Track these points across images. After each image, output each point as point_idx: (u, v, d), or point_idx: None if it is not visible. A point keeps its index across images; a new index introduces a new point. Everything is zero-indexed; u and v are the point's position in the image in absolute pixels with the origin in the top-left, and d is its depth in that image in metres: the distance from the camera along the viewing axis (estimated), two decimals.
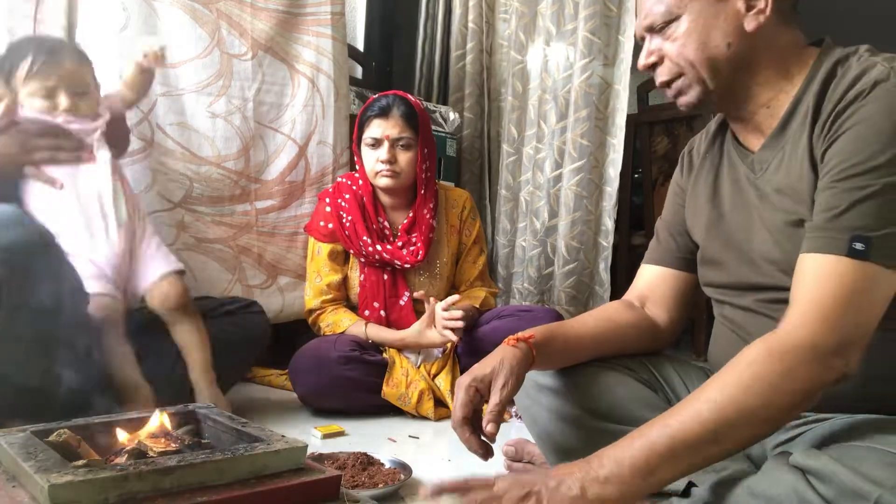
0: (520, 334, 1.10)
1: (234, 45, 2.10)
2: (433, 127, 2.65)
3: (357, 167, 2.11)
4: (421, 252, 2.02)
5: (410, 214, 2.07)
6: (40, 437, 0.82)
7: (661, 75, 1.09)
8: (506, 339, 1.10)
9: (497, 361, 1.05)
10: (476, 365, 1.07)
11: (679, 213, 1.24)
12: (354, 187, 2.08)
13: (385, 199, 2.09)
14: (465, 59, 2.94)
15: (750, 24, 1.01)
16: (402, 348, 1.97)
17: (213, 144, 2.08)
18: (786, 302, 0.94)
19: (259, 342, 1.88)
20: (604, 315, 1.22)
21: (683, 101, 1.09)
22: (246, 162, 2.14)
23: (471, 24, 2.92)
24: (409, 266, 2.03)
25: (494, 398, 1.02)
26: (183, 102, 2.04)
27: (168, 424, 0.93)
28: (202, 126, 2.06)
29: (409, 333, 1.96)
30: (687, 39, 1.03)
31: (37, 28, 1.78)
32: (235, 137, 2.11)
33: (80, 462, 0.76)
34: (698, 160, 1.21)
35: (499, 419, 1.01)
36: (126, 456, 0.82)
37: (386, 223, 2.07)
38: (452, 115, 2.80)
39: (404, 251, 2.03)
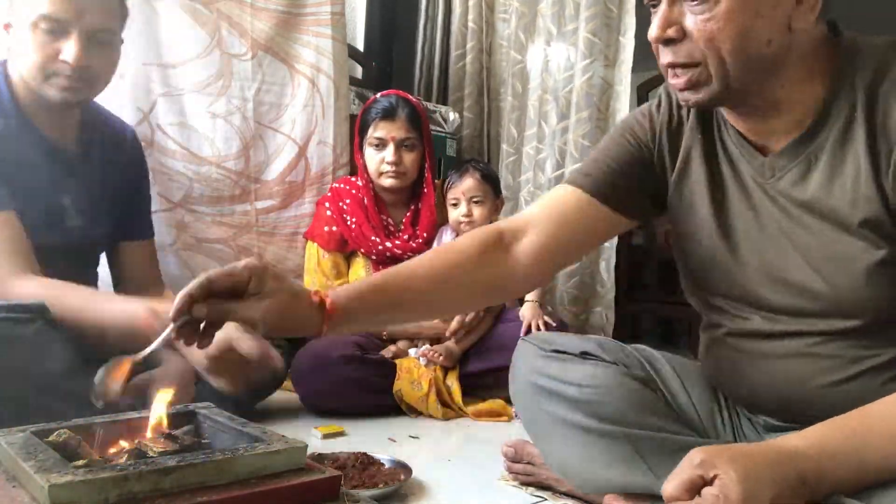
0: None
1: (234, 45, 2.10)
2: (433, 127, 2.67)
3: (357, 166, 2.15)
4: (424, 237, 2.10)
5: (413, 208, 2.15)
6: (40, 437, 0.82)
7: (675, 55, 0.89)
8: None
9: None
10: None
11: (630, 155, 1.08)
12: (353, 190, 2.13)
13: (386, 196, 2.14)
14: (465, 59, 2.94)
15: (798, 21, 0.87)
16: (416, 333, 2.03)
17: (213, 144, 2.08)
18: (823, 333, 0.92)
19: (276, 379, 1.76)
20: (436, 256, 1.06)
21: (693, 98, 0.91)
22: (246, 162, 2.14)
23: (470, 24, 2.92)
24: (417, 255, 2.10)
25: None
26: (183, 102, 2.04)
27: (167, 424, 0.93)
28: (202, 126, 2.06)
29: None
30: (726, 23, 0.84)
31: None
32: (235, 137, 2.11)
33: (80, 462, 0.76)
34: (677, 126, 1.06)
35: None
36: (126, 456, 0.82)
37: (389, 220, 2.14)
38: (452, 115, 2.80)
39: (412, 243, 2.09)
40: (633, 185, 1.09)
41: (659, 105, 1.10)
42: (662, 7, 0.88)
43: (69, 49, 1.30)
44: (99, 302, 1.27)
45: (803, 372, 0.97)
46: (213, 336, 0.87)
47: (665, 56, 0.91)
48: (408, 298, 1.00)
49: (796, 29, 0.87)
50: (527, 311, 2.02)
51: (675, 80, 0.91)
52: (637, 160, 1.09)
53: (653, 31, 0.90)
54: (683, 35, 0.88)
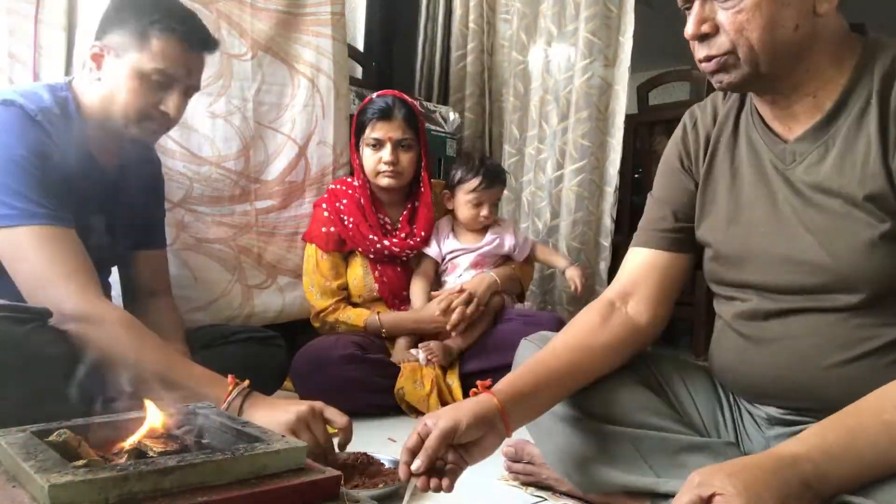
0: (486, 392, 1.06)
1: (234, 45, 2.10)
2: (433, 127, 2.68)
3: (353, 166, 2.16)
4: (422, 235, 2.11)
5: (409, 206, 2.16)
6: (40, 437, 0.82)
7: (710, 49, 0.96)
8: (474, 392, 1.07)
9: (463, 417, 1.00)
10: (445, 412, 1.02)
11: (679, 191, 1.15)
12: (350, 191, 2.13)
13: (383, 195, 2.15)
14: (466, 60, 2.94)
15: (822, 6, 0.93)
16: (415, 329, 2.05)
17: (213, 144, 2.08)
18: (826, 309, 0.93)
19: (276, 378, 1.82)
20: (577, 343, 1.11)
21: (725, 80, 0.98)
22: (246, 162, 2.14)
23: (471, 25, 2.92)
24: (415, 253, 2.13)
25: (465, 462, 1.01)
26: None
27: (167, 424, 0.93)
28: (202, 126, 2.06)
29: (416, 309, 2.07)
30: (754, 14, 0.91)
31: (37, 28, 1.77)
32: (235, 137, 2.11)
33: (80, 462, 0.76)
34: (706, 136, 1.12)
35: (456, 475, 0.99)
36: (126, 456, 0.82)
37: (386, 218, 2.15)
38: (453, 116, 2.80)
39: (409, 241, 2.10)
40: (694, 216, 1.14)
41: (694, 124, 1.15)
42: (696, 7, 0.96)
43: (171, 102, 1.43)
44: (180, 364, 1.30)
45: (808, 352, 0.98)
46: (453, 480, 0.99)
47: (700, 51, 0.98)
48: (555, 379, 1.08)
49: (822, 13, 0.93)
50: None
51: (707, 65, 0.98)
52: (691, 186, 1.15)
53: (689, 30, 0.97)
54: (717, 30, 0.95)
